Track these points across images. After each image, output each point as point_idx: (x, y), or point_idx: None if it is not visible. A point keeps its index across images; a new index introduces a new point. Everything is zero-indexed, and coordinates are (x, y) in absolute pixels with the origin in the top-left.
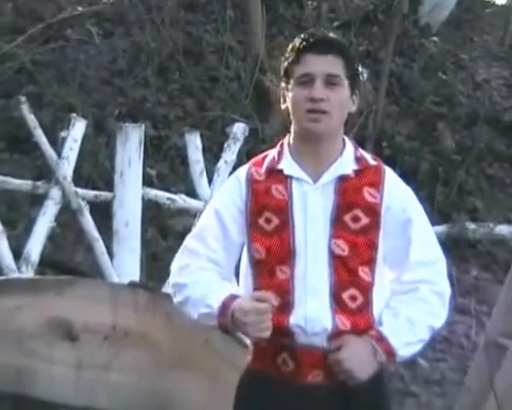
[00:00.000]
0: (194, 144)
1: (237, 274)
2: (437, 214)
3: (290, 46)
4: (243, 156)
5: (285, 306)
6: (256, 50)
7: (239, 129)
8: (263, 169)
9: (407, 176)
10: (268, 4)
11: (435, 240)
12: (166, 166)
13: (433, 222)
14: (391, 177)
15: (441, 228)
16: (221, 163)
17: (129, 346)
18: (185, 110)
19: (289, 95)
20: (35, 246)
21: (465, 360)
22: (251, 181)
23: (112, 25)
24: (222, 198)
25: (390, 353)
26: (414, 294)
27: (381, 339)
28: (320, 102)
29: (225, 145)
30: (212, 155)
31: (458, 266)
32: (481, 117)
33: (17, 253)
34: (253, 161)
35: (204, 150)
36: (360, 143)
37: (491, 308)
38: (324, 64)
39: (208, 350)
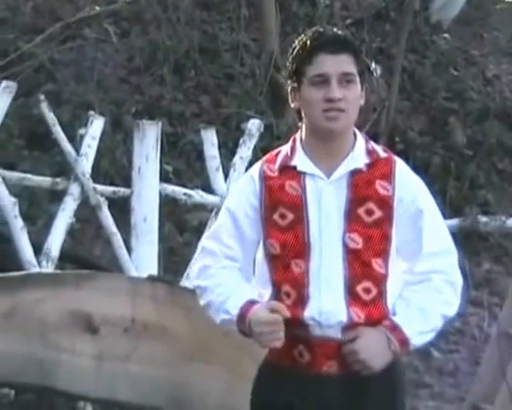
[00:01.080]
0: (210, 140)
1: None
2: (449, 208)
3: (298, 45)
4: (258, 152)
5: (300, 299)
6: (270, 48)
7: (254, 125)
8: (276, 166)
9: (419, 171)
10: (281, 3)
11: (446, 231)
12: (183, 162)
13: (446, 216)
14: (401, 168)
15: (453, 221)
16: (236, 159)
17: (148, 338)
18: (201, 107)
19: (302, 95)
20: (55, 241)
21: (478, 351)
22: (264, 178)
23: (129, 24)
24: (235, 197)
25: (403, 342)
26: (427, 284)
27: (394, 328)
28: (337, 102)
29: (240, 141)
30: (228, 150)
31: (470, 260)
32: (492, 112)
33: (38, 248)
34: (265, 158)
35: (220, 146)
36: (373, 138)
37: (503, 300)
38: (338, 63)
39: (227, 342)
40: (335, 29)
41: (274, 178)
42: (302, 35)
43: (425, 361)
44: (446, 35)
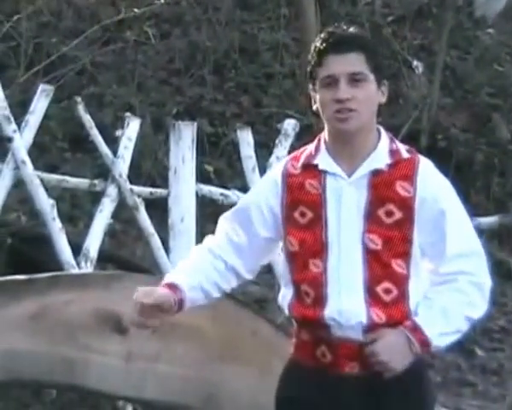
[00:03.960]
0: (246, 140)
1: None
2: (493, 205)
3: (312, 48)
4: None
5: (319, 299)
6: (310, 47)
7: (289, 125)
8: (299, 163)
9: (463, 168)
10: (321, 1)
11: (472, 231)
12: (224, 163)
13: (490, 212)
14: (425, 168)
15: (494, 218)
16: (273, 159)
17: (177, 338)
18: (241, 107)
19: (317, 97)
20: (93, 242)
21: None
22: (287, 175)
23: (169, 26)
24: (255, 193)
25: (424, 343)
26: (451, 284)
27: (415, 330)
28: (346, 102)
29: (276, 141)
30: (269, 151)
31: None
32: None
33: (79, 249)
34: (292, 155)
35: (261, 146)
36: (415, 135)
37: None
38: (346, 63)
39: (256, 341)
40: (352, 28)
41: (296, 175)
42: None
43: (468, 360)
44: (490, 30)
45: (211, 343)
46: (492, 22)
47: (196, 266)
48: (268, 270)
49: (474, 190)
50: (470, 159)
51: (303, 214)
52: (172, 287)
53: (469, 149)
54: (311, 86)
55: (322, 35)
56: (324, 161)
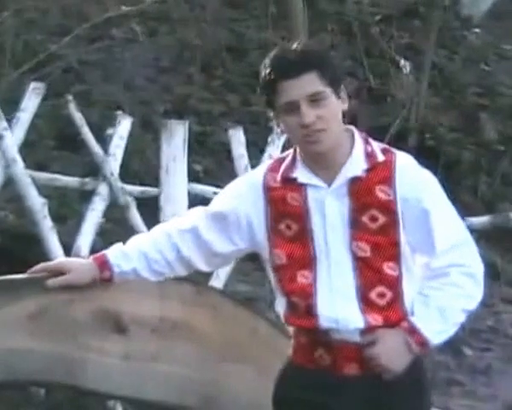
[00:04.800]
0: (237, 139)
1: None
2: (480, 204)
3: (262, 73)
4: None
5: (310, 309)
6: None
7: None
8: (278, 176)
9: (451, 167)
10: (309, 0)
11: (459, 222)
12: (213, 162)
13: (477, 211)
14: (402, 168)
15: (485, 218)
16: (266, 157)
17: (176, 337)
18: (229, 106)
19: (281, 122)
20: (84, 241)
21: (511, 350)
22: (268, 189)
23: (156, 23)
24: (234, 199)
25: (423, 344)
26: (445, 279)
27: (412, 331)
28: (312, 125)
29: (269, 140)
30: (258, 149)
31: (503, 257)
32: None
33: (68, 248)
34: (269, 165)
35: (249, 145)
36: (403, 134)
37: None
38: (301, 86)
39: (255, 341)
40: (296, 44)
41: (276, 189)
42: (264, 60)
43: (457, 359)
44: (477, 30)
45: (209, 343)
46: (479, 22)
47: (141, 250)
48: (258, 268)
49: (461, 190)
50: (458, 158)
51: (289, 227)
52: (103, 264)
53: (457, 149)
54: (272, 113)
55: (268, 62)
56: (303, 174)
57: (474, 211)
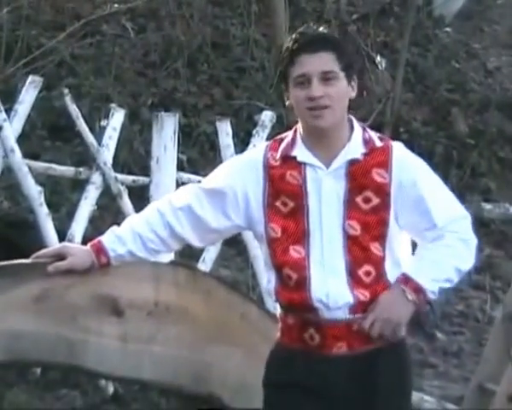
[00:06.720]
0: (224, 131)
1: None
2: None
3: (284, 48)
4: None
5: (302, 281)
6: (280, 42)
7: (267, 117)
8: (278, 155)
9: (423, 159)
10: None
11: (453, 199)
12: (196, 152)
13: None
14: (398, 154)
15: None
16: (250, 147)
17: (171, 320)
18: (213, 99)
19: (291, 95)
20: (78, 228)
21: (481, 333)
22: (268, 167)
23: (145, 20)
24: (230, 176)
25: (418, 290)
26: (440, 241)
27: (407, 280)
28: (319, 100)
29: (254, 132)
30: (240, 140)
31: None
32: (493, 103)
33: (61, 235)
34: (269, 144)
35: (231, 136)
36: (378, 128)
37: (505, 284)
38: (318, 62)
39: (244, 324)
40: (321, 28)
41: (276, 167)
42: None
43: (430, 343)
44: (448, 29)
45: (202, 326)
46: (450, 22)
47: (135, 231)
48: (239, 253)
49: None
50: (430, 151)
51: (285, 204)
52: (99, 250)
53: (429, 142)
54: (283, 85)
55: (294, 36)
56: (302, 153)
57: None
